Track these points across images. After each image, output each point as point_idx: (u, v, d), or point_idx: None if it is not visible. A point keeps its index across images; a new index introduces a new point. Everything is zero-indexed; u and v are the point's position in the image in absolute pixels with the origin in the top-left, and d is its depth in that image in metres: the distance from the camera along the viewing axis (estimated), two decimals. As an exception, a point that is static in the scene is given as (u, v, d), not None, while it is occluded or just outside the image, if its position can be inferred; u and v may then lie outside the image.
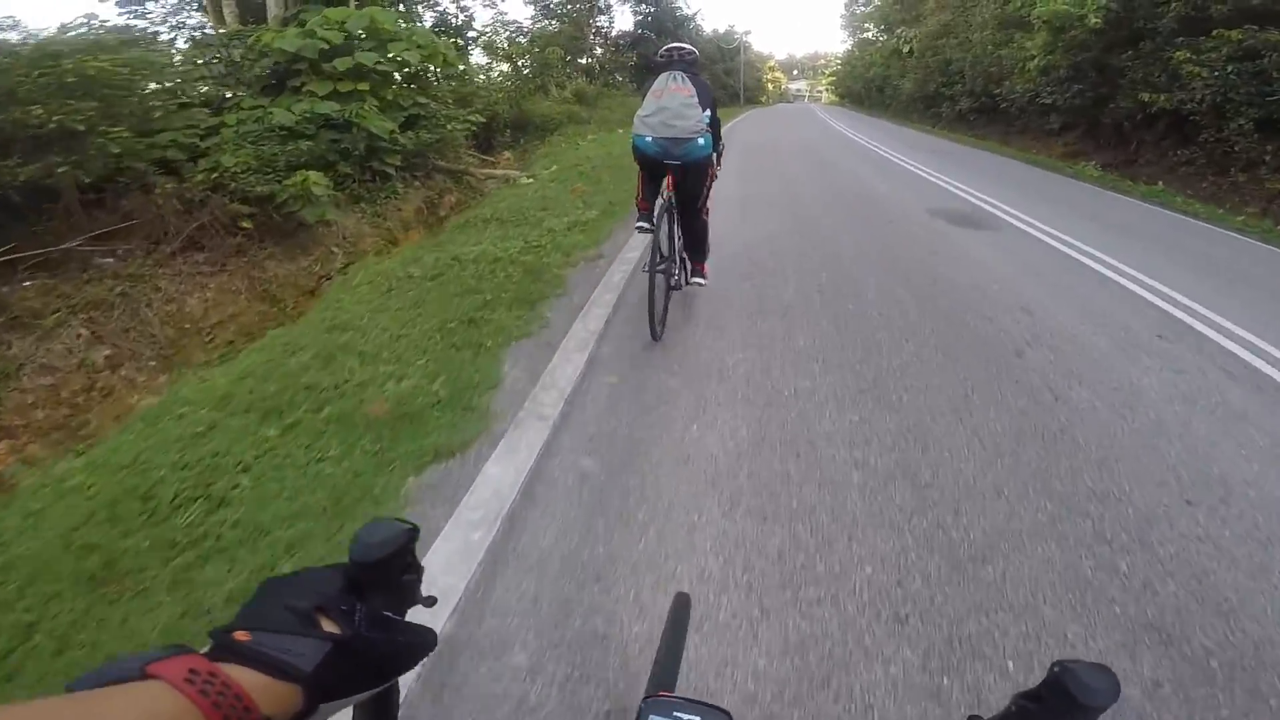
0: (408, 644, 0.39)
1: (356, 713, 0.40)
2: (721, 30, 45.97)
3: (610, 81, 23.31)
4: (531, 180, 9.13)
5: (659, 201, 3.08)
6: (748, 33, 58.81)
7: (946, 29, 21.24)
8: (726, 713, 0.45)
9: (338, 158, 8.20)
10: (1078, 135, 15.10)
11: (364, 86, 8.85)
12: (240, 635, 0.32)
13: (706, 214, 3.40)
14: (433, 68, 10.98)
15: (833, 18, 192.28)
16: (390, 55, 9.41)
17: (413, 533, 0.41)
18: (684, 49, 3.20)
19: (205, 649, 0.32)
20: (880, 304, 4.14)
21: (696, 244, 3.47)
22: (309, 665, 0.32)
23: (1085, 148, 14.50)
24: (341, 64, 8.70)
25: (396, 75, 9.71)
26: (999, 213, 7.45)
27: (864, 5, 47.52)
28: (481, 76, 16.45)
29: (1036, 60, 12.48)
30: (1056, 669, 0.37)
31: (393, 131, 8.78)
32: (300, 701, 0.32)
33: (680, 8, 30.32)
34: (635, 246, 5.36)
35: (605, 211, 6.76)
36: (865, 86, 45.31)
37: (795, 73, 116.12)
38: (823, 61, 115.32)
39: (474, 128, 11.20)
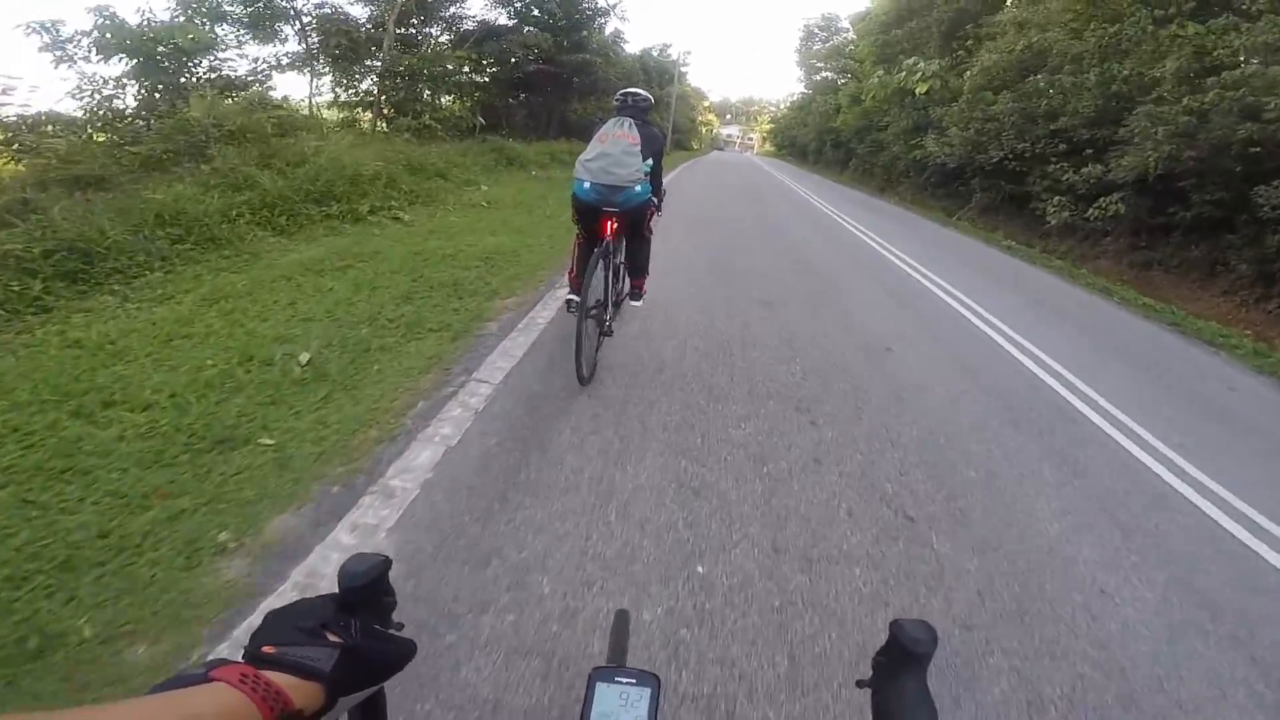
0: (396, 651, 0.46)
1: (352, 715, 0.47)
2: (655, 49, 34.67)
3: (412, 107, 11.63)
4: None
5: (596, 250, 2.98)
6: (686, 56, 47.98)
7: (1076, 53, 11.32)
8: (656, 676, 0.53)
9: None
10: None
11: None
12: (268, 649, 0.39)
13: (650, 232, 3.48)
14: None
15: (774, 61, 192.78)
16: None
17: (388, 563, 0.49)
18: (639, 95, 3.23)
19: (243, 660, 0.39)
20: None
21: (641, 261, 3.49)
22: (327, 667, 0.39)
23: None
24: None
25: None
26: None
27: (823, 42, 39.53)
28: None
29: None
30: (893, 626, 0.50)
31: None
32: (322, 697, 0.39)
33: (591, -1, 19.24)
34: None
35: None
36: (819, 139, 36.94)
37: (728, 117, 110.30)
38: (756, 108, 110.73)
39: None
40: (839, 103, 28.85)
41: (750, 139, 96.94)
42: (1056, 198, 10.39)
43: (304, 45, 12.20)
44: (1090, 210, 9.66)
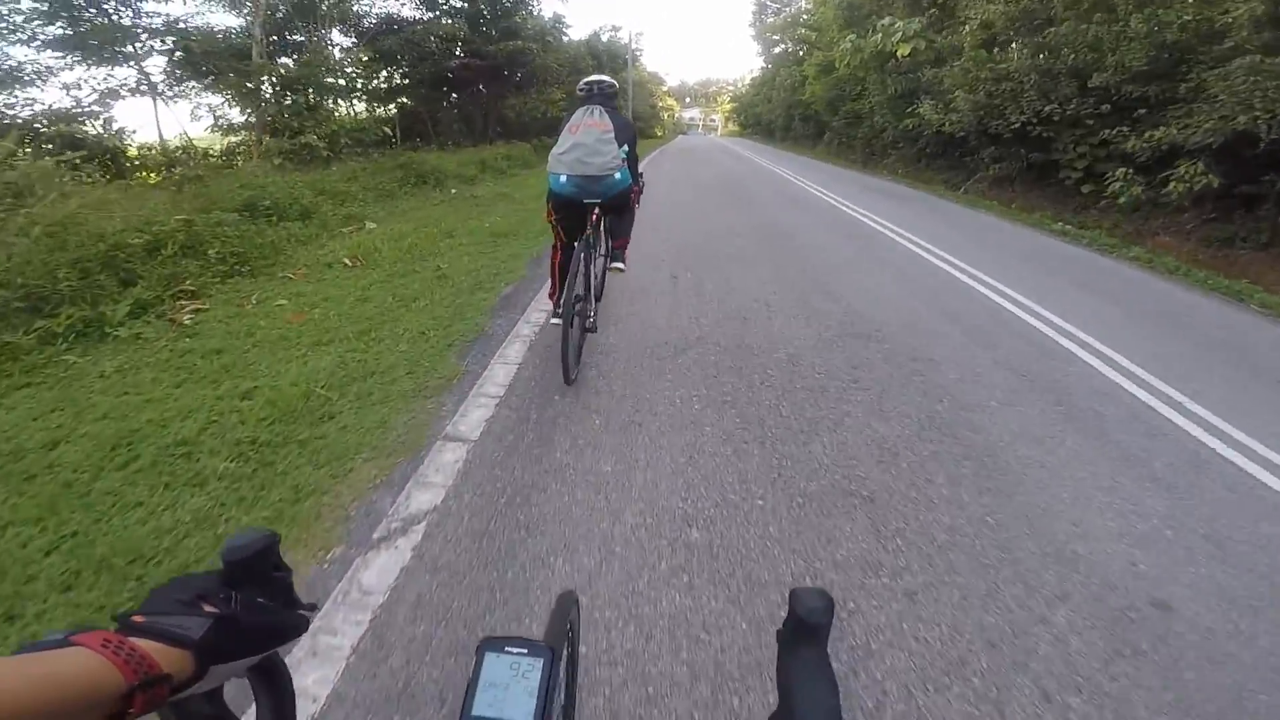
0: (280, 623, 0.46)
1: (252, 683, 0.47)
2: (605, 32, 31.27)
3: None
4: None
5: (575, 245, 2.90)
6: (639, 38, 44.25)
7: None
8: (550, 649, 0.50)
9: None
10: None
11: None
12: (138, 618, 0.39)
13: (636, 205, 3.38)
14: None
15: (728, 39, 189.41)
16: None
17: (272, 538, 0.47)
18: (604, 82, 3.08)
19: (113, 628, 0.38)
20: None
21: (625, 225, 3.37)
22: (196, 634, 0.39)
23: None
24: None
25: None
26: None
27: (775, 14, 37.11)
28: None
29: None
30: (790, 596, 0.46)
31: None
32: (192, 665, 0.39)
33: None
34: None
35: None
36: (786, 114, 34.82)
37: (688, 100, 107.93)
38: (715, 89, 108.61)
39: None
40: (805, 74, 26.70)
41: (712, 120, 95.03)
42: (1121, 169, 8.29)
43: (137, 67, 9.53)
44: (1171, 184, 7.57)
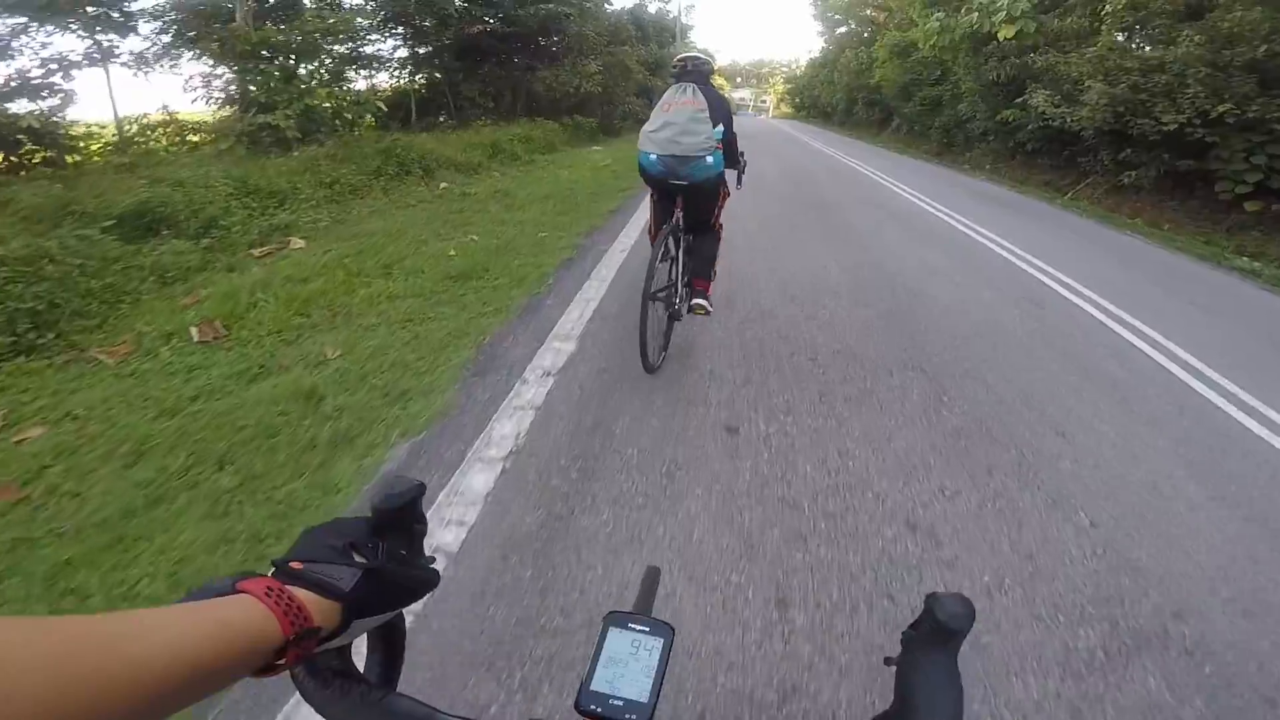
0: (417, 578, 0.45)
1: (371, 640, 0.47)
2: (651, 2, 27.96)
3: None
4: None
5: (665, 227, 2.80)
6: (689, 11, 40.25)
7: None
8: (671, 628, 0.50)
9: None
10: None
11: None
12: (295, 565, 0.38)
13: (720, 228, 3.17)
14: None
15: (783, 19, 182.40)
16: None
17: (421, 487, 0.46)
18: (698, 59, 3.00)
19: (270, 574, 0.38)
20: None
21: (705, 260, 3.11)
22: (347, 587, 0.38)
23: None
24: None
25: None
26: None
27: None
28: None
29: None
30: (929, 599, 0.44)
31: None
32: (339, 617, 0.38)
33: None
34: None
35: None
36: (848, 97, 32.04)
37: (739, 80, 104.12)
38: (767, 69, 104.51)
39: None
40: (876, 55, 24.03)
41: (763, 101, 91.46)
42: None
43: (89, 36, 8.03)
44: None
